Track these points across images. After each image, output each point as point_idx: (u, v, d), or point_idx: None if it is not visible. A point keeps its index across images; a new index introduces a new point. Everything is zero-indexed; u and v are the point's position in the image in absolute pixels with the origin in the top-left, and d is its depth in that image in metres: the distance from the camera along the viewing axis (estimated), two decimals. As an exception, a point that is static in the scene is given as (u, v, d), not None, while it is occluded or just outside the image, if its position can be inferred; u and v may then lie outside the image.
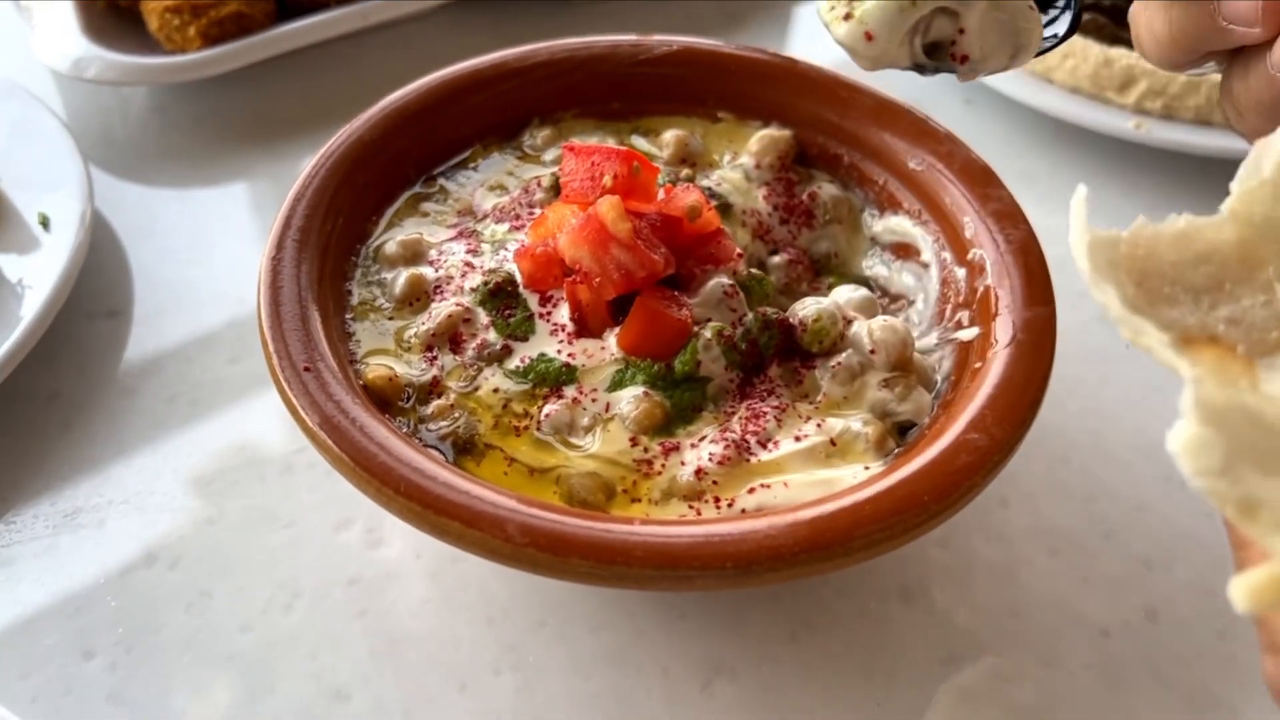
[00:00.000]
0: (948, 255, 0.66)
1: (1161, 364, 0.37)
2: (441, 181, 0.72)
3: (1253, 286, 0.40)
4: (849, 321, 0.62)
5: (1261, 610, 0.30)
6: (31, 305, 0.73)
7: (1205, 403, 0.33)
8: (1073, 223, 0.39)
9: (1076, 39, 0.95)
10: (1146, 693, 0.61)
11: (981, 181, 0.66)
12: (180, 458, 0.71)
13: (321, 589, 0.64)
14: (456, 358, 0.61)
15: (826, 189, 0.71)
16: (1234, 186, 0.41)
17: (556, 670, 0.60)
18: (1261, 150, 0.41)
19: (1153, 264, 0.40)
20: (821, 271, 0.69)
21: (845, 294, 0.65)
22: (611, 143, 0.72)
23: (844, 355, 0.60)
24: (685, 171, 0.71)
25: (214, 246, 0.87)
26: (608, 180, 0.61)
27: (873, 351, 0.60)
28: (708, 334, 0.59)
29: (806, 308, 0.61)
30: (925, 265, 0.67)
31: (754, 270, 0.64)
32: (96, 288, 0.82)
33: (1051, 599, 0.65)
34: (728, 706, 0.59)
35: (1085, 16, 0.97)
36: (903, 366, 0.60)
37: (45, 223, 0.80)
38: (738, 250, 0.64)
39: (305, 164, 0.66)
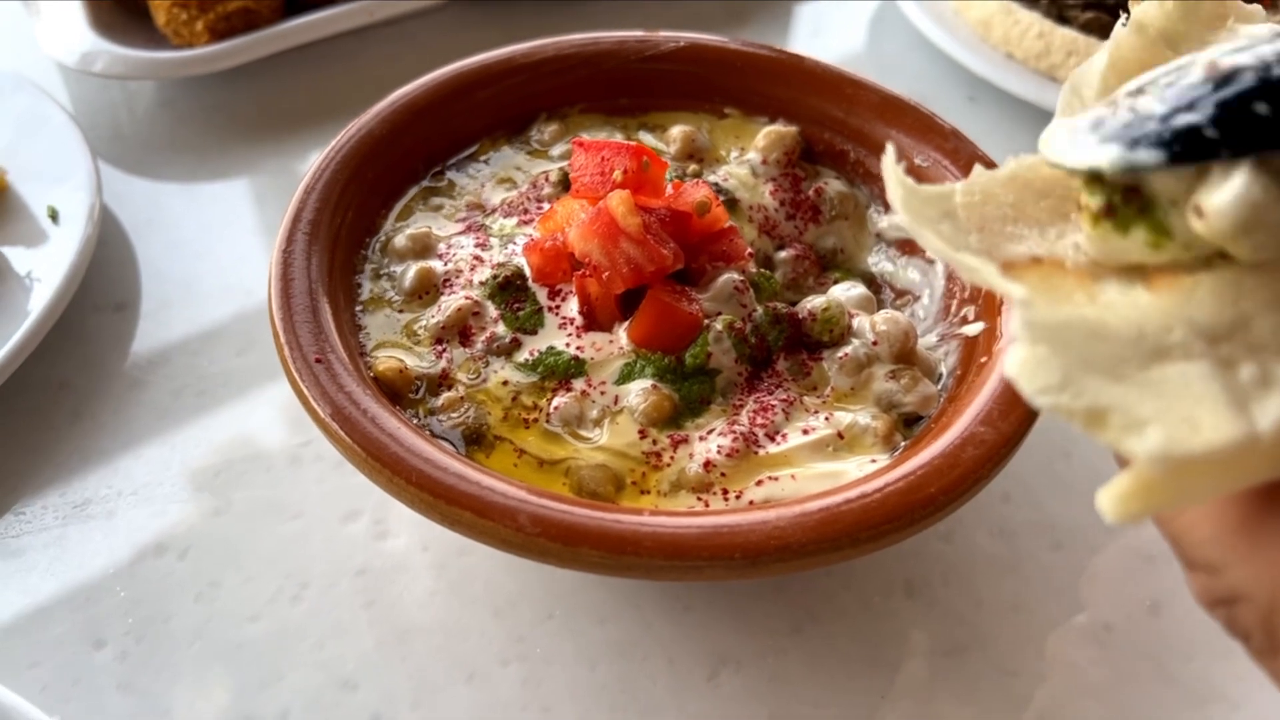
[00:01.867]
0: (953, 251, 0.66)
1: (995, 290, 0.36)
2: (450, 176, 0.72)
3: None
4: (851, 316, 0.62)
5: (1130, 520, 0.30)
6: (40, 298, 0.73)
7: (1036, 323, 0.33)
8: (888, 179, 0.38)
9: (1080, 37, 0.95)
10: (1149, 685, 0.61)
11: (986, 178, 0.67)
12: (188, 449, 0.71)
13: (329, 580, 0.64)
14: (466, 350, 0.61)
15: (833, 185, 0.72)
16: (1056, 116, 0.41)
17: (563, 661, 0.61)
18: (1076, 79, 0.41)
19: (991, 208, 0.40)
20: (828, 267, 0.70)
21: (843, 290, 0.65)
22: (619, 138, 0.73)
23: (850, 346, 0.60)
24: (692, 167, 0.72)
25: (221, 240, 0.87)
26: (618, 175, 0.61)
27: (875, 343, 0.60)
28: (719, 326, 0.59)
29: (815, 301, 0.62)
30: (930, 261, 0.68)
31: (761, 270, 0.65)
32: (104, 280, 0.82)
33: (1054, 593, 0.65)
34: (733, 697, 0.59)
35: (1088, 15, 0.98)
36: (906, 358, 0.61)
37: (54, 215, 0.80)
38: (748, 250, 0.64)
39: (313, 158, 0.67)
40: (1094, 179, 0.37)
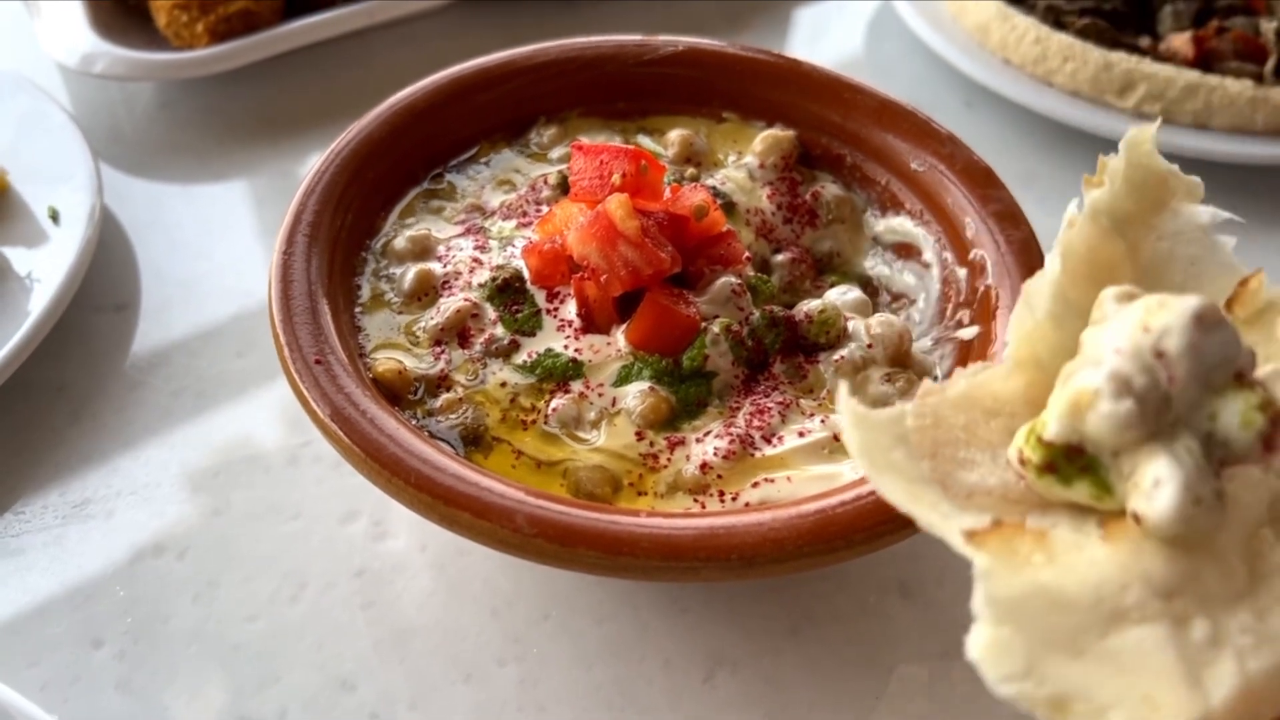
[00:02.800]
0: (949, 255, 0.67)
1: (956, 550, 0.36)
2: (449, 178, 0.72)
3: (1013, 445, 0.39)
4: (846, 319, 0.63)
5: None
6: (40, 298, 0.73)
7: (999, 599, 0.32)
8: (843, 418, 0.39)
9: (1076, 43, 0.96)
10: (1142, 688, 0.61)
11: (983, 183, 0.67)
12: (187, 450, 0.72)
13: (328, 580, 0.64)
14: (465, 352, 0.61)
15: (829, 189, 0.72)
16: (1009, 336, 0.42)
17: (560, 662, 0.61)
18: (1029, 292, 0.42)
19: (943, 432, 0.40)
20: (824, 270, 0.70)
21: (839, 294, 0.66)
22: (617, 141, 0.73)
23: (846, 349, 0.61)
24: (690, 171, 0.72)
25: (221, 241, 0.87)
26: (617, 178, 0.62)
27: (870, 345, 0.61)
28: (716, 329, 0.60)
29: (811, 303, 0.62)
30: (926, 265, 0.68)
31: (758, 274, 0.65)
32: (104, 281, 0.83)
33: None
34: (729, 698, 0.60)
35: (1084, 20, 0.98)
36: (901, 361, 0.61)
37: (54, 216, 0.80)
38: (746, 254, 0.65)
39: (313, 160, 0.67)
40: (1037, 438, 0.37)
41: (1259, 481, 0.37)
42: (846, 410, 0.39)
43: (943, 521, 0.36)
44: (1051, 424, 0.37)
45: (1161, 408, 0.35)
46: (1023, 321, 0.42)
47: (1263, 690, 0.31)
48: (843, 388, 0.39)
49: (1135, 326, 0.36)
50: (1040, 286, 0.42)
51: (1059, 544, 0.36)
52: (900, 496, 0.37)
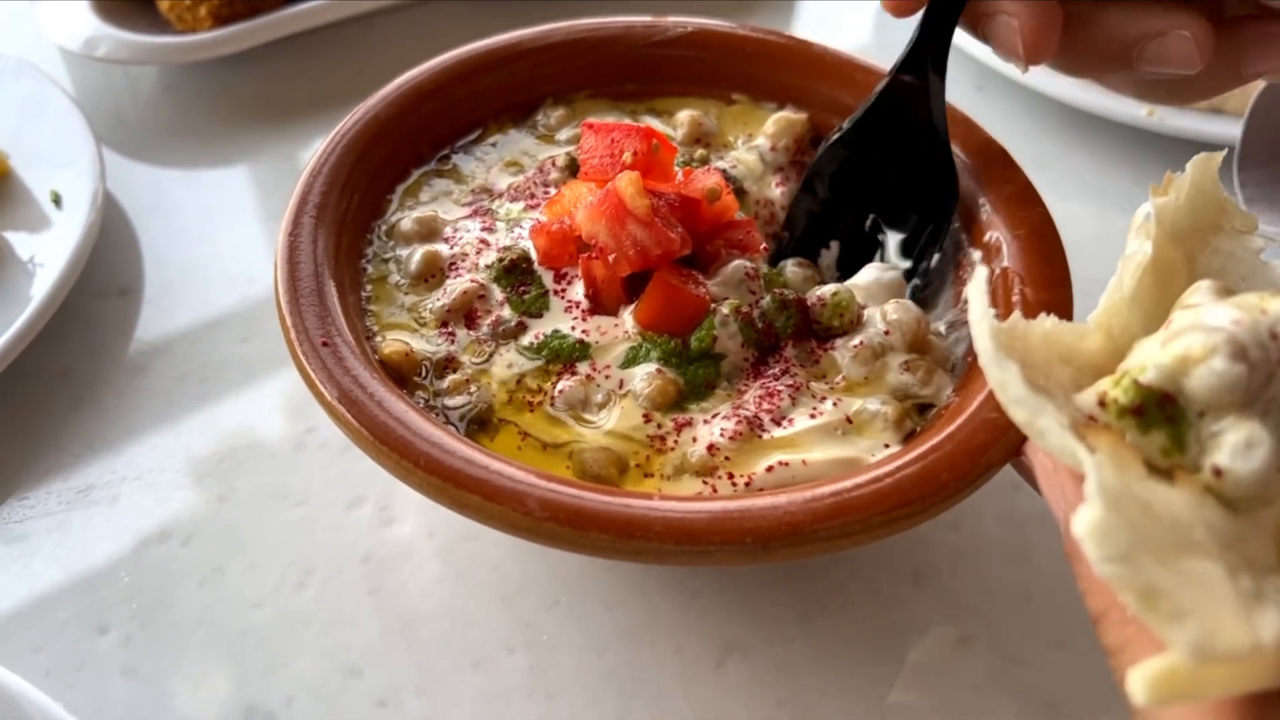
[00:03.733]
0: (963, 237, 0.66)
1: (1052, 449, 0.37)
2: (456, 160, 0.71)
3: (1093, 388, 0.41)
4: (861, 307, 0.62)
5: (1157, 703, 0.31)
6: (43, 284, 0.73)
7: (1107, 487, 0.34)
8: (974, 304, 0.40)
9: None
10: (1158, 675, 0.61)
11: (997, 164, 0.66)
12: (192, 435, 0.71)
13: (334, 567, 0.64)
14: (471, 333, 0.61)
15: None
16: (1101, 300, 0.44)
17: (570, 648, 0.60)
18: (1123, 267, 0.44)
19: (1029, 355, 0.42)
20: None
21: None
22: (626, 123, 0.72)
23: (865, 334, 0.60)
24: (700, 152, 0.71)
25: (224, 226, 0.86)
26: (628, 156, 0.61)
27: (888, 332, 0.60)
28: (725, 310, 0.59)
29: (824, 288, 0.61)
30: (940, 247, 0.67)
31: (771, 269, 0.65)
32: (107, 266, 0.82)
33: (1064, 582, 0.64)
34: (741, 684, 0.59)
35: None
36: (919, 347, 0.60)
37: (57, 201, 0.80)
38: (763, 245, 0.64)
39: (317, 144, 0.66)
40: (1133, 380, 0.39)
41: None
42: (979, 300, 0.40)
43: (1055, 413, 0.38)
44: (1151, 370, 0.38)
45: (1265, 382, 0.38)
46: (1112, 293, 0.44)
47: None
48: (978, 275, 0.41)
49: (1253, 308, 0.39)
50: (1131, 266, 0.44)
51: (1143, 469, 0.38)
52: (1017, 390, 0.38)
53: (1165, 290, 0.45)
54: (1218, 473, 0.37)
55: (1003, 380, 0.38)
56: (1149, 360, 0.39)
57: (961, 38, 1.00)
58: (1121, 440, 0.39)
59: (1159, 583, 0.32)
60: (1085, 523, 0.33)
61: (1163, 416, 0.38)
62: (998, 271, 0.62)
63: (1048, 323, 0.43)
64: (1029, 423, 0.38)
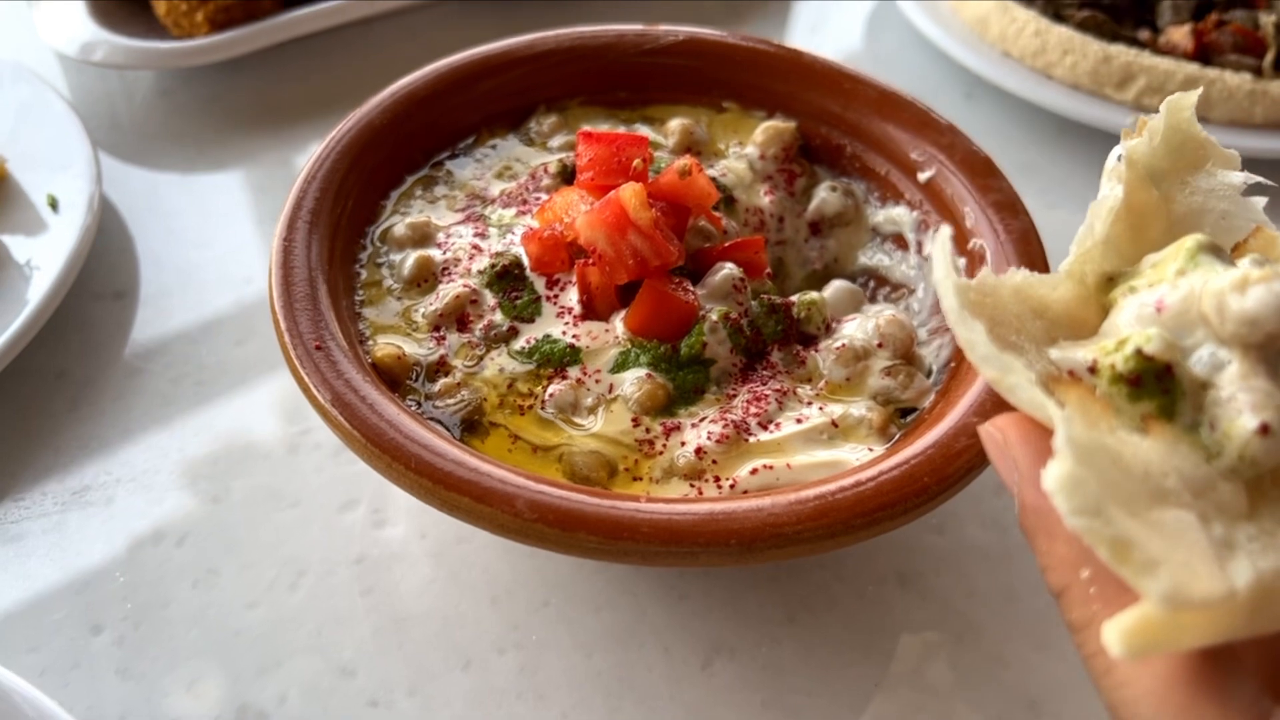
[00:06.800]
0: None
1: (1022, 405, 0.37)
2: (449, 166, 0.72)
3: (1078, 346, 0.41)
4: (832, 318, 0.64)
5: (1134, 655, 0.31)
6: (40, 286, 0.74)
7: (1076, 441, 0.33)
8: (938, 262, 0.40)
9: (1075, 35, 0.96)
10: (1138, 676, 0.62)
11: (982, 173, 0.67)
12: (187, 437, 0.72)
13: (327, 568, 0.64)
14: (463, 337, 0.61)
15: (829, 202, 0.72)
16: (1072, 248, 0.44)
17: (559, 649, 0.61)
18: (1094, 212, 0.44)
19: (999, 312, 0.41)
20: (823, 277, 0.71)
21: (830, 291, 0.67)
22: (621, 130, 0.73)
23: (845, 337, 0.61)
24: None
25: (219, 229, 0.87)
26: (638, 163, 0.62)
27: (880, 345, 0.61)
28: (714, 316, 0.60)
29: (801, 295, 0.64)
30: (925, 255, 0.68)
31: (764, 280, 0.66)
32: (103, 269, 0.83)
33: (1045, 584, 0.65)
34: (727, 685, 0.60)
35: (1084, 13, 0.98)
36: (907, 357, 0.61)
37: (54, 204, 0.80)
38: (768, 270, 0.66)
39: (312, 149, 0.67)
40: (1137, 349, 0.39)
41: None
42: (943, 258, 0.40)
43: (1024, 369, 0.38)
44: (1156, 340, 0.38)
45: None
46: (1083, 239, 0.44)
47: (1275, 590, 0.32)
48: (943, 232, 0.40)
49: None
50: (1102, 211, 0.43)
51: (1113, 425, 0.38)
52: (985, 348, 0.38)
53: (1140, 234, 0.44)
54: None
55: (970, 339, 0.38)
56: (1152, 329, 0.38)
57: (948, 42, 1.01)
58: (1091, 394, 0.38)
59: (1130, 534, 0.32)
60: (1055, 477, 0.33)
61: (1159, 389, 0.37)
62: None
63: (1018, 276, 0.43)
64: (998, 380, 0.38)
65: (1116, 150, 0.45)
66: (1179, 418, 0.37)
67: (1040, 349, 0.41)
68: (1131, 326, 0.40)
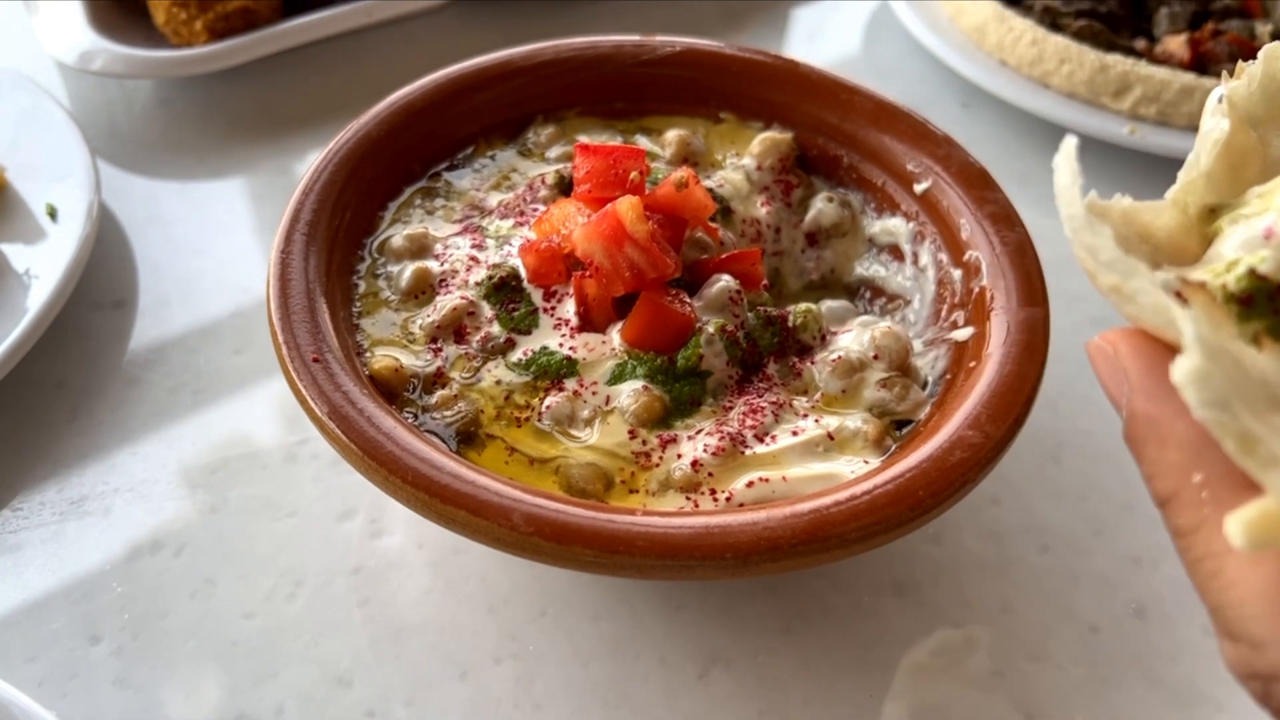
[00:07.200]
0: (944, 256, 0.67)
1: (1143, 311, 0.38)
2: (447, 177, 0.73)
3: (1186, 271, 0.41)
4: (830, 330, 0.64)
5: (1255, 546, 0.32)
6: (38, 295, 0.74)
7: (1204, 340, 0.34)
8: (1061, 170, 0.40)
9: (1072, 45, 0.96)
10: (1134, 688, 0.62)
11: (978, 184, 0.68)
12: (185, 447, 0.72)
13: (325, 578, 0.65)
14: (460, 349, 0.62)
15: (826, 213, 0.72)
16: (1179, 175, 0.44)
17: (556, 659, 0.61)
18: (1199, 144, 0.44)
19: (1114, 231, 0.42)
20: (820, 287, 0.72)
21: (823, 307, 0.67)
22: (618, 141, 0.73)
23: (841, 349, 0.61)
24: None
25: (218, 239, 0.87)
26: (635, 176, 0.62)
27: (876, 357, 0.61)
28: (711, 329, 0.60)
29: (795, 306, 0.64)
30: (922, 266, 0.69)
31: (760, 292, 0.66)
32: (102, 278, 0.83)
33: (1042, 595, 0.66)
34: (724, 696, 0.60)
35: (1081, 23, 0.99)
36: (903, 369, 0.61)
37: (53, 213, 0.80)
38: (765, 282, 0.66)
39: (311, 159, 0.67)
40: (1250, 269, 0.39)
41: None
42: (1065, 165, 0.40)
43: (1149, 272, 0.38)
44: (1270, 261, 0.38)
45: None
46: (1190, 168, 0.44)
47: None
48: (1069, 140, 0.40)
49: None
50: (1208, 143, 0.44)
51: (1233, 330, 0.38)
52: (1111, 251, 0.38)
53: (1238, 173, 0.45)
54: None
55: (1094, 244, 0.39)
56: (1264, 250, 0.39)
57: (945, 51, 1.02)
58: (1215, 302, 0.39)
59: (1254, 429, 0.32)
60: (1185, 370, 0.33)
61: (1270, 309, 0.38)
62: (976, 290, 0.63)
63: (1125, 201, 0.43)
64: (1119, 285, 0.38)
65: (1218, 90, 0.45)
66: None
67: (1153, 274, 0.41)
68: (1238, 252, 0.40)
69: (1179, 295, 0.39)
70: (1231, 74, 0.47)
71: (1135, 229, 0.43)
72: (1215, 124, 0.44)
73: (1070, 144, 0.41)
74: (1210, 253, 0.42)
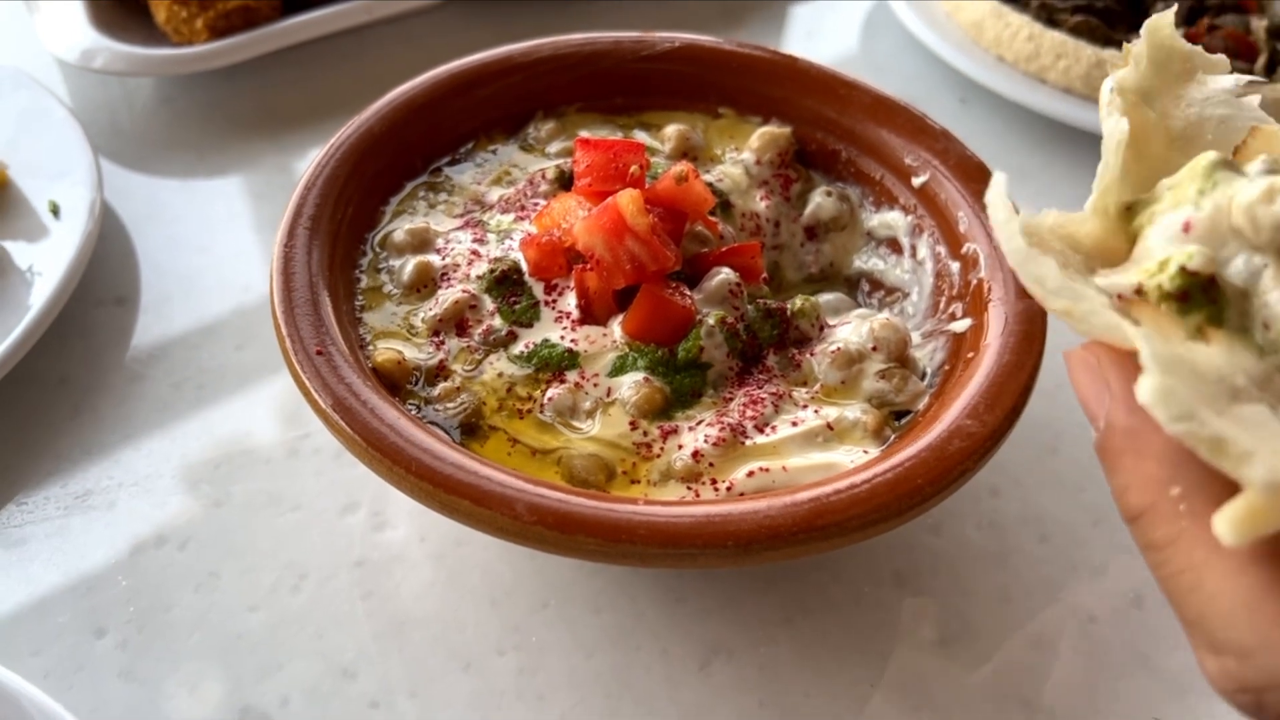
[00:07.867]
0: (942, 249, 0.68)
1: (1095, 331, 0.39)
2: (448, 172, 0.73)
3: (1118, 273, 0.42)
4: (827, 321, 0.64)
5: (1245, 540, 0.32)
6: (41, 292, 0.74)
7: (1159, 355, 0.35)
8: (996, 207, 0.41)
9: (1069, 40, 0.97)
10: (1132, 676, 0.62)
11: (976, 178, 0.68)
12: (188, 442, 0.72)
13: (328, 571, 0.65)
14: (462, 342, 0.62)
15: (825, 207, 0.72)
16: (1094, 185, 0.45)
17: (559, 650, 0.62)
18: (1105, 148, 0.45)
19: (1044, 248, 0.43)
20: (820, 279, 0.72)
21: (821, 299, 0.68)
22: (617, 136, 0.74)
23: (840, 340, 0.61)
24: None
25: (220, 235, 0.88)
26: (635, 170, 0.63)
27: (875, 348, 0.61)
28: (711, 321, 0.60)
29: (794, 299, 0.64)
30: (920, 259, 0.69)
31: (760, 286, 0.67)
32: (104, 275, 0.83)
33: (1041, 585, 0.66)
34: (725, 686, 0.60)
35: (1077, 18, 0.99)
36: (901, 360, 0.62)
37: (55, 210, 0.81)
38: (764, 275, 0.66)
39: (312, 155, 0.68)
40: (1181, 267, 0.40)
41: None
42: (1000, 203, 0.41)
43: (1096, 295, 0.39)
44: (1196, 256, 0.40)
45: None
46: (1102, 176, 0.45)
47: None
48: (998, 179, 0.41)
49: None
50: (1111, 145, 0.45)
51: (1179, 333, 0.40)
52: (1056, 280, 0.39)
53: (1144, 153, 0.45)
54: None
55: (1040, 274, 0.40)
56: (1190, 246, 0.40)
57: (943, 47, 1.02)
58: (1158, 310, 0.40)
59: (1221, 431, 0.34)
60: (1149, 389, 0.34)
61: (1206, 300, 0.39)
62: (974, 282, 0.63)
63: (1052, 214, 0.44)
64: (1070, 309, 0.39)
65: (1108, 83, 0.46)
66: (1227, 323, 0.39)
67: (1089, 281, 0.42)
68: (1164, 248, 0.41)
69: (1129, 309, 0.40)
70: (1121, 60, 0.47)
71: (1067, 241, 0.44)
72: (1115, 126, 0.45)
73: (1000, 180, 0.42)
74: (1137, 251, 0.43)
